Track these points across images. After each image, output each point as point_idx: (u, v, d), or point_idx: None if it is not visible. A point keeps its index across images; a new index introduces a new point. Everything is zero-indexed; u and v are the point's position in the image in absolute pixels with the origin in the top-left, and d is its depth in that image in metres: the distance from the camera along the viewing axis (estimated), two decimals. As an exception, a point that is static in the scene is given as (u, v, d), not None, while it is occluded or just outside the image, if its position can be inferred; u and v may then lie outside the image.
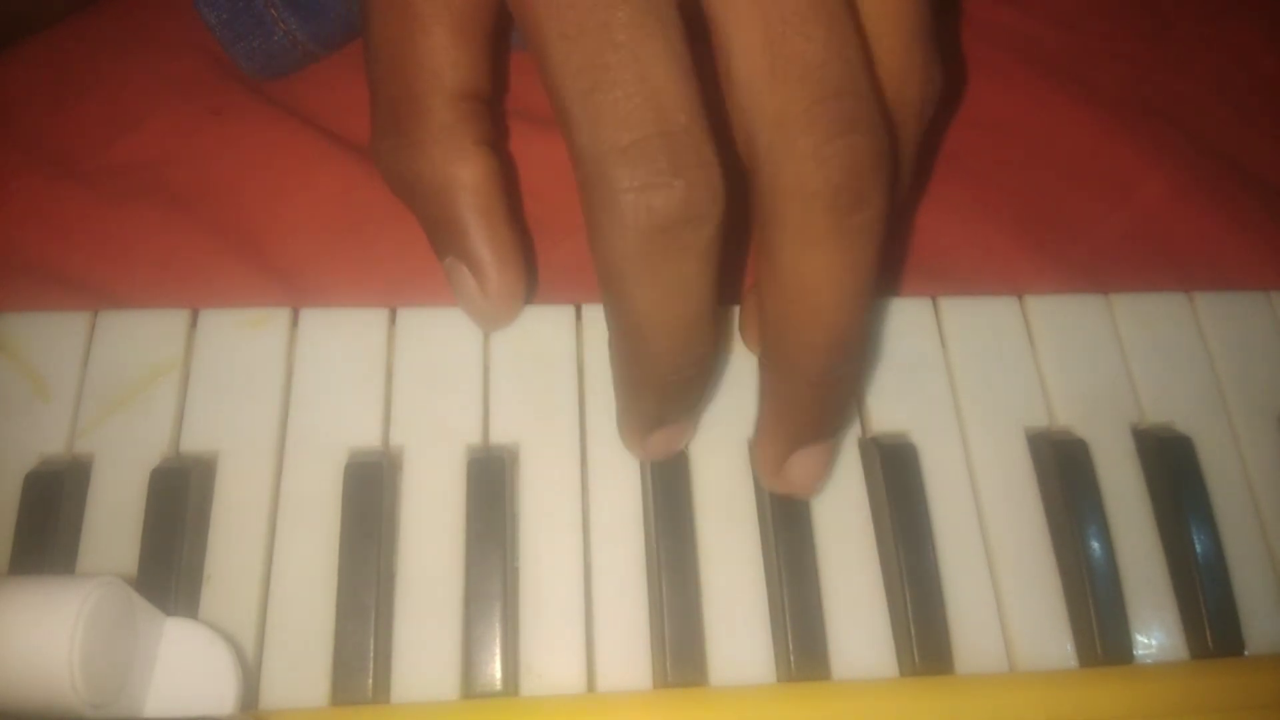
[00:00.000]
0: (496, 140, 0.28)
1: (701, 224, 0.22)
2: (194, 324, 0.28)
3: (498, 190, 0.28)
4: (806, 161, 0.21)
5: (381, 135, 0.28)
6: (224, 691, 0.22)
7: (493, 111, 0.29)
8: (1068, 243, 0.33)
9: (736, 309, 0.29)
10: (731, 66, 0.22)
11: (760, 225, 0.23)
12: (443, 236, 0.28)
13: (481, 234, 0.27)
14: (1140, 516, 0.27)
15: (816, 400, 0.25)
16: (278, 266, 0.31)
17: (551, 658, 0.25)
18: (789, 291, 0.23)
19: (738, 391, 0.28)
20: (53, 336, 0.28)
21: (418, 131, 0.27)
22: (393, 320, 0.28)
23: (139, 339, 0.28)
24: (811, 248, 0.22)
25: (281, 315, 0.28)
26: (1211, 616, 0.26)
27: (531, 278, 0.30)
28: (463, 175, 0.27)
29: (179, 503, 0.25)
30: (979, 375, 0.29)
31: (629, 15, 0.21)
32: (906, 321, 0.29)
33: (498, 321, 0.28)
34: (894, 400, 0.28)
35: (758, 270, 0.24)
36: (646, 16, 0.21)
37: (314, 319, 0.28)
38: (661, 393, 0.25)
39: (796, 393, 0.24)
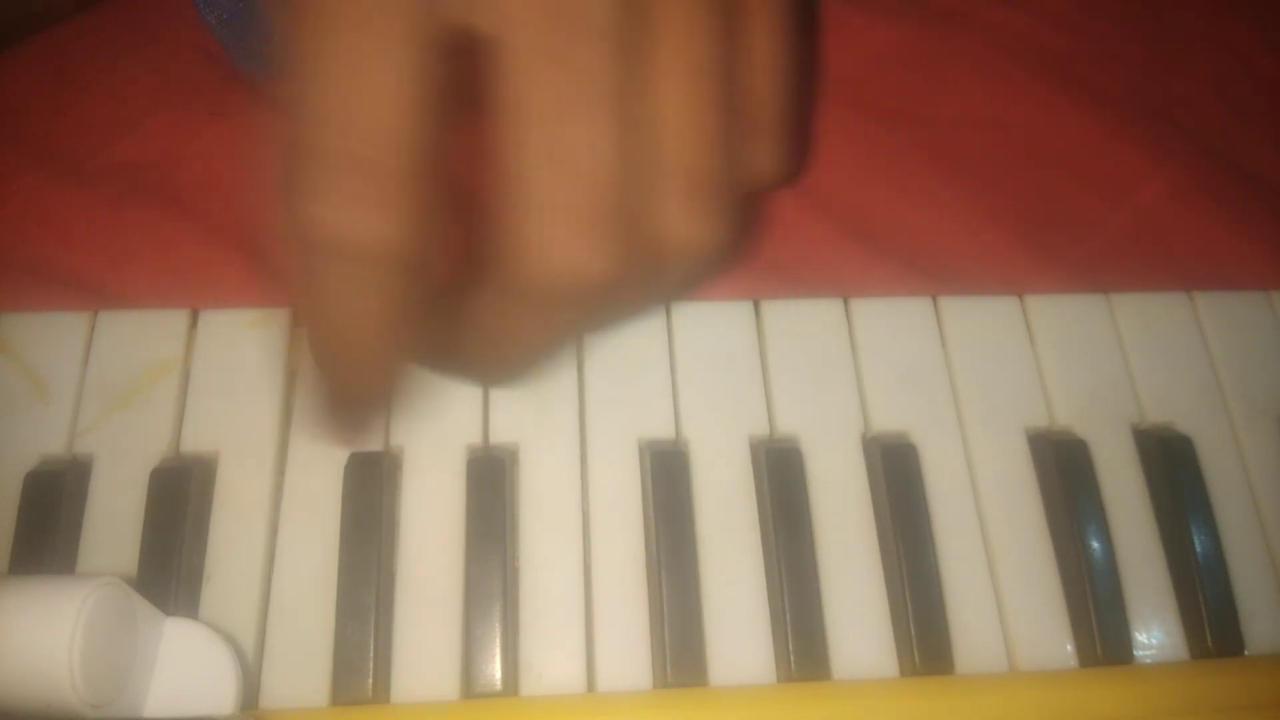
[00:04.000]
0: None
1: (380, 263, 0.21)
2: (194, 324, 0.28)
3: None
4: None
5: None
6: (224, 691, 0.22)
7: None
8: (1068, 243, 0.33)
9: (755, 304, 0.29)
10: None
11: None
12: None
13: None
14: (1140, 516, 0.27)
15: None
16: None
17: (551, 657, 0.25)
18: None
19: (738, 391, 0.28)
20: (53, 336, 0.28)
21: None
22: (393, 320, 0.28)
23: (139, 339, 0.28)
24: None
25: (281, 315, 0.28)
26: (1211, 616, 0.26)
27: None
28: None
29: (179, 503, 0.25)
30: (979, 375, 0.29)
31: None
32: (906, 321, 0.29)
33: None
34: (894, 400, 0.28)
35: None
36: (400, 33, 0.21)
37: (314, 319, 0.28)
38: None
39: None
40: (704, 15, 0.22)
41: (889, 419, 0.28)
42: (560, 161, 0.21)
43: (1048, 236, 0.33)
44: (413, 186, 0.21)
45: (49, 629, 0.20)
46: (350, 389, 0.25)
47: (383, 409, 0.27)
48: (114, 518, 0.26)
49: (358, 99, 0.21)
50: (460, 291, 0.24)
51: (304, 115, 0.21)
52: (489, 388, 0.28)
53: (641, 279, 0.23)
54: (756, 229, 0.33)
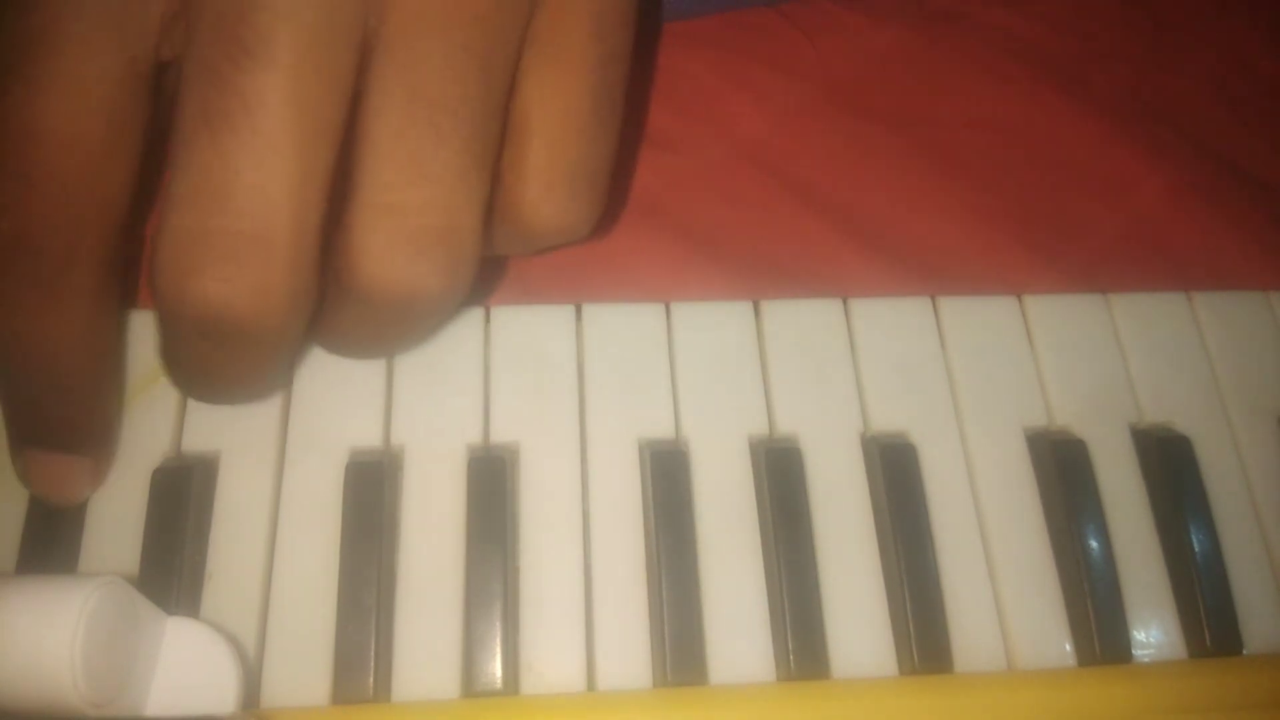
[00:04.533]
0: None
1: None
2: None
3: None
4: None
5: None
6: (225, 690, 0.22)
7: None
8: (1066, 243, 0.33)
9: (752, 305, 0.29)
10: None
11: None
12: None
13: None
14: (1139, 516, 0.28)
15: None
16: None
17: (552, 657, 0.25)
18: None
19: (737, 391, 0.28)
20: (54, 337, 0.28)
21: None
22: (393, 320, 0.29)
23: (140, 339, 0.28)
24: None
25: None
26: (1210, 616, 0.26)
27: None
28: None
29: (180, 502, 0.25)
30: (978, 375, 0.29)
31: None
32: (906, 321, 0.30)
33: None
34: (893, 400, 0.28)
35: None
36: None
37: (315, 319, 0.28)
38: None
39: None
40: (439, 45, 0.21)
41: (888, 418, 0.28)
42: (190, 182, 0.20)
43: (1046, 237, 0.34)
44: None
45: (51, 628, 0.20)
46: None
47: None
48: (116, 517, 0.26)
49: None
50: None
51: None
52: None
53: (347, 319, 0.24)
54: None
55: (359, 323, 0.24)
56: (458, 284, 0.22)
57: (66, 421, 0.24)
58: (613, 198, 0.33)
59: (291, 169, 0.20)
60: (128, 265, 0.26)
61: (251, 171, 0.20)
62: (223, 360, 0.22)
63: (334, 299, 0.23)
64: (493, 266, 0.31)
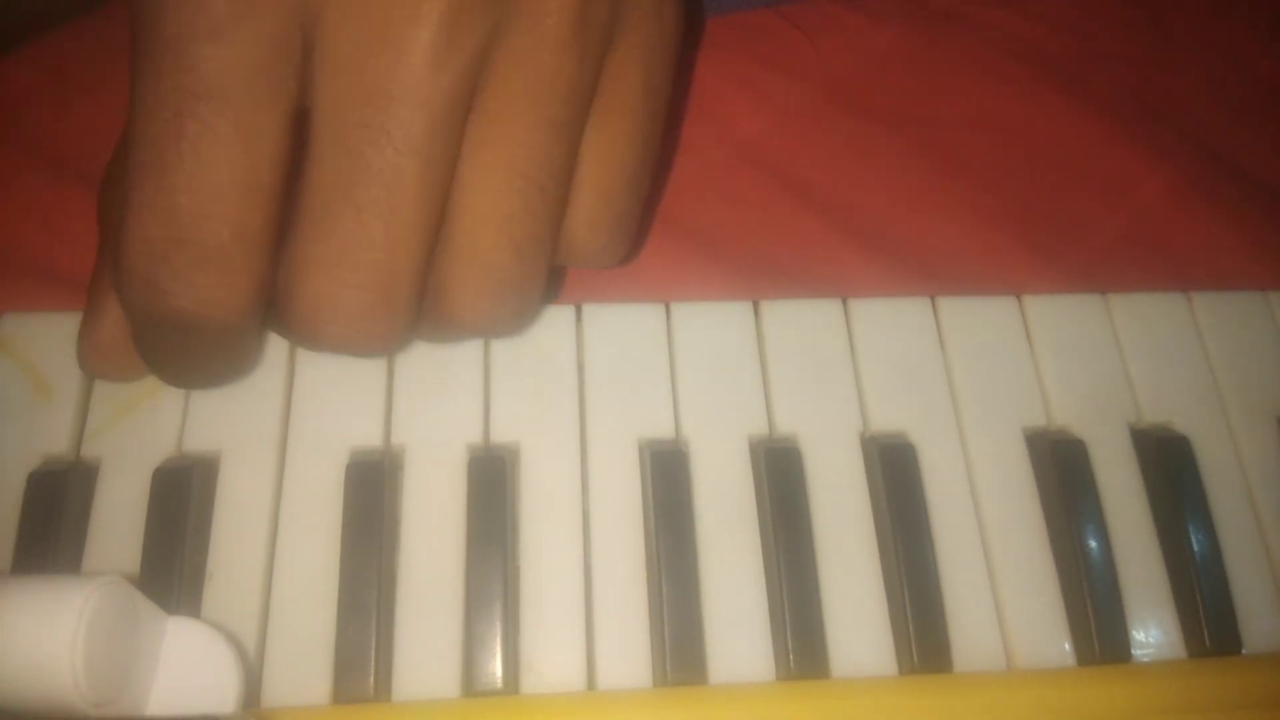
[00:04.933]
0: None
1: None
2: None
3: None
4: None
5: None
6: (226, 690, 0.22)
7: None
8: (1066, 243, 0.33)
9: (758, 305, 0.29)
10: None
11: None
12: None
13: None
14: (1138, 515, 0.28)
15: None
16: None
17: (552, 656, 0.25)
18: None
19: (737, 391, 0.28)
20: (55, 337, 0.28)
21: None
22: (394, 320, 0.29)
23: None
24: None
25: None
26: (1209, 615, 0.26)
27: None
28: None
29: (181, 502, 0.26)
30: (977, 375, 0.29)
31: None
32: (906, 321, 0.30)
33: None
34: (893, 400, 0.29)
35: None
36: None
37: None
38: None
39: None
40: (535, 125, 0.24)
41: (887, 418, 0.28)
42: (333, 246, 0.23)
43: (1046, 237, 0.33)
44: (259, 265, 0.23)
45: (52, 628, 0.20)
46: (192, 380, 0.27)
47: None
48: (116, 517, 0.26)
49: (213, 184, 0.22)
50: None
51: (155, 199, 0.22)
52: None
53: (431, 332, 0.26)
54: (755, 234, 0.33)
55: (436, 336, 0.27)
56: (527, 320, 0.26)
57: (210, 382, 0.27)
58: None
59: (416, 237, 0.23)
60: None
61: (386, 237, 0.23)
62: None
63: (420, 322, 0.25)
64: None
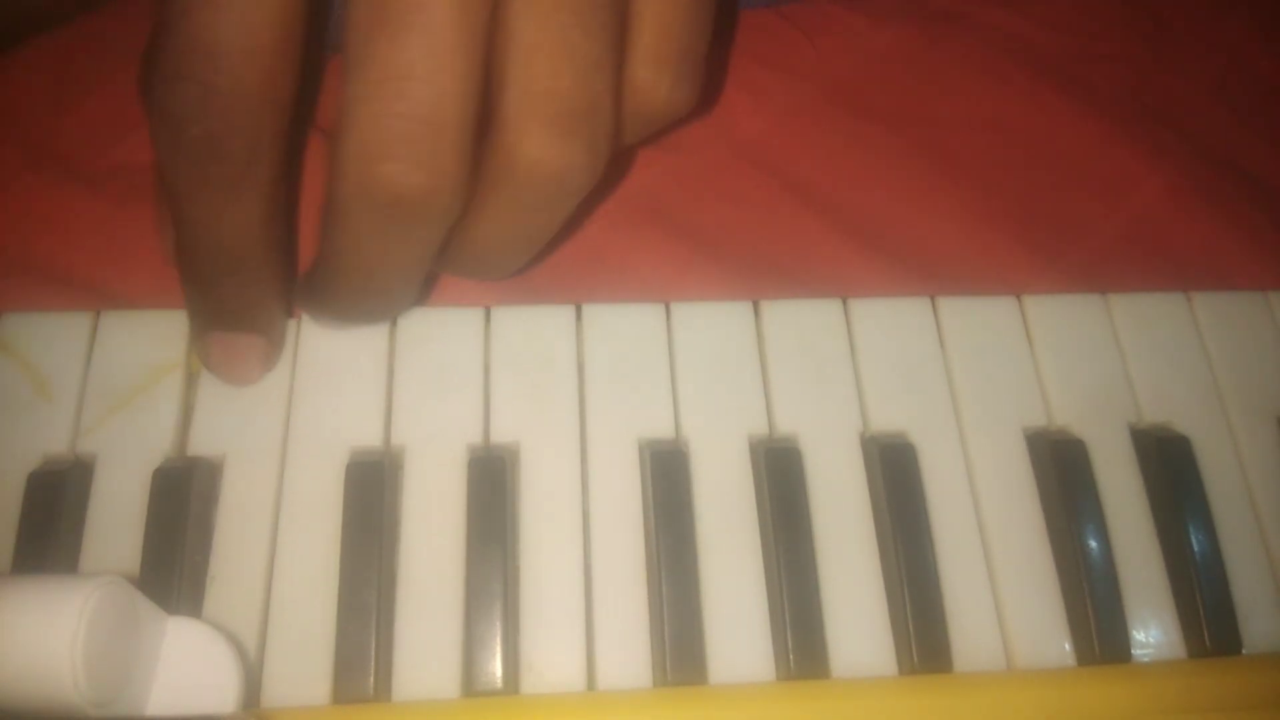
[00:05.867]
0: None
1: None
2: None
3: None
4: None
5: None
6: (226, 690, 0.22)
7: None
8: (1066, 243, 0.33)
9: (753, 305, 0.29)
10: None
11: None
12: None
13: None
14: (1138, 515, 0.28)
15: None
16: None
17: (552, 656, 0.25)
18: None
19: (737, 391, 0.28)
20: (55, 337, 0.28)
21: None
22: (393, 321, 0.29)
23: (141, 339, 0.28)
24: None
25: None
26: (1209, 615, 0.26)
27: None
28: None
29: (181, 503, 0.26)
30: (978, 375, 0.29)
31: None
32: (906, 321, 0.30)
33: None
34: (893, 400, 0.29)
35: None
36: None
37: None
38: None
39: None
40: None
41: (887, 419, 0.28)
42: (373, 76, 0.22)
43: (1046, 237, 0.34)
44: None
45: (52, 628, 0.20)
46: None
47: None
48: (117, 517, 0.26)
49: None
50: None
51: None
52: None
53: (501, 208, 0.25)
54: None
55: (509, 215, 0.25)
56: (600, 161, 0.24)
57: (245, 302, 0.27)
58: (613, 197, 0.33)
59: (458, 62, 0.22)
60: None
61: (424, 64, 0.22)
62: (397, 242, 0.24)
63: (486, 194, 0.24)
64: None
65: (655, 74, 0.25)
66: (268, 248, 0.26)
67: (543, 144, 0.23)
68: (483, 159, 0.24)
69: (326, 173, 0.23)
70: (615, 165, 0.27)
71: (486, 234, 0.26)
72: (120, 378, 0.27)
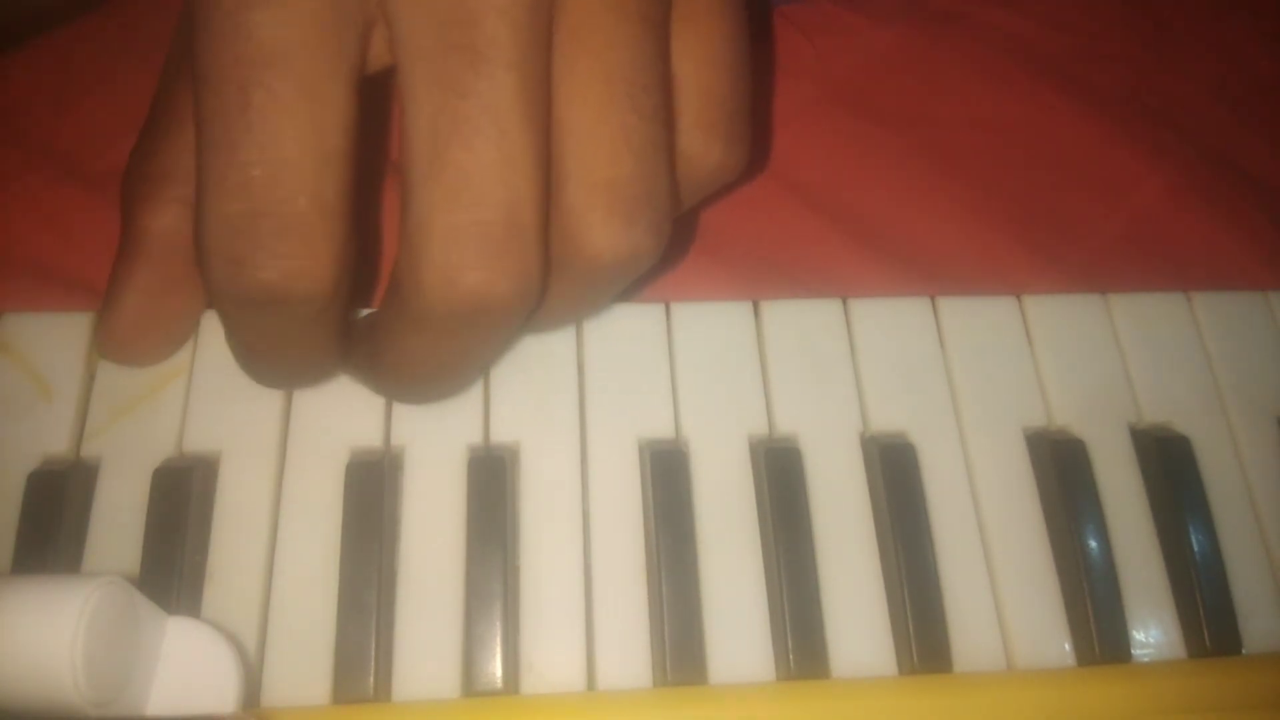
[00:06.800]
0: None
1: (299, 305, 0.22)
2: (197, 325, 0.28)
3: None
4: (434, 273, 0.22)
5: None
6: (226, 690, 0.22)
7: None
8: (1066, 243, 0.34)
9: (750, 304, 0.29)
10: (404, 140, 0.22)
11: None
12: None
13: None
14: (1138, 516, 0.28)
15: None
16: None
17: (552, 656, 0.25)
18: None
19: (737, 391, 0.28)
20: (55, 337, 0.28)
21: None
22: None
23: (142, 340, 0.28)
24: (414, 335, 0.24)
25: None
26: (1209, 615, 0.26)
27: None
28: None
29: (181, 502, 0.26)
30: (977, 375, 0.29)
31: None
32: (905, 321, 0.30)
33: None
34: (893, 400, 0.29)
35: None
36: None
37: (315, 319, 0.28)
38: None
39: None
40: (623, 23, 0.23)
41: (887, 419, 0.28)
42: (448, 184, 0.22)
43: (1046, 237, 0.34)
44: (339, 231, 0.22)
45: (51, 628, 0.20)
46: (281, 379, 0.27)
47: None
48: (116, 517, 0.26)
49: (284, 153, 0.21)
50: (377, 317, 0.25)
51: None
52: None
53: (566, 292, 0.25)
54: (749, 228, 0.33)
55: (574, 297, 0.25)
56: (663, 239, 0.24)
57: (303, 383, 0.27)
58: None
59: (529, 161, 0.22)
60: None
61: (499, 168, 0.22)
62: (477, 344, 0.24)
63: (552, 281, 0.24)
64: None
65: (706, 141, 0.25)
66: (335, 355, 0.26)
67: (608, 233, 0.23)
68: (549, 247, 0.23)
69: (390, 280, 0.23)
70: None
71: (549, 314, 0.26)
72: (121, 378, 0.27)
